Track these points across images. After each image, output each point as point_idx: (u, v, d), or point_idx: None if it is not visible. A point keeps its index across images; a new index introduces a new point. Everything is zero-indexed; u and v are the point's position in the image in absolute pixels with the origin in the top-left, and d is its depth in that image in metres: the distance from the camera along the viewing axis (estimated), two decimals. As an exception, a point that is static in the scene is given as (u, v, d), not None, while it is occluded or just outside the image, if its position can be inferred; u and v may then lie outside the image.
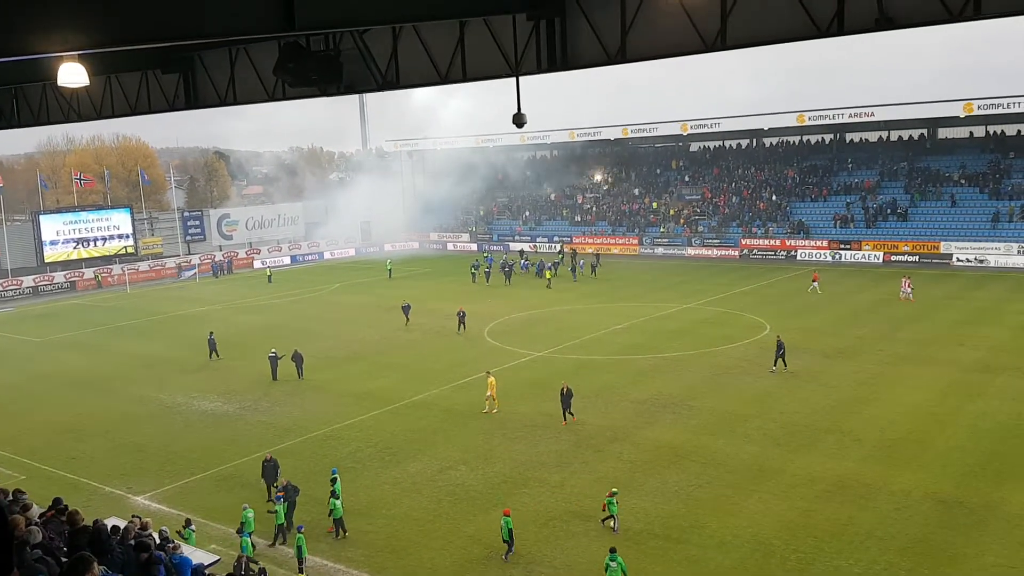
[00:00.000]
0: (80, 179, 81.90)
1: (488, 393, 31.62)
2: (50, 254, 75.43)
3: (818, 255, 71.57)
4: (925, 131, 78.32)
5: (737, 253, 75.63)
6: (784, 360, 35.43)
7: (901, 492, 23.02)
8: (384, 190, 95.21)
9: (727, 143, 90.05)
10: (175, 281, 78.27)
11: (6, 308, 66.10)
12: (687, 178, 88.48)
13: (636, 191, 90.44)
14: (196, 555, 17.09)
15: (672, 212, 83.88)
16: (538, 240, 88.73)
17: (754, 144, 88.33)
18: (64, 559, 9.41)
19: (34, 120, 19.63)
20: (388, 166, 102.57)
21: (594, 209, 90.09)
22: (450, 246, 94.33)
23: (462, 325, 45.74)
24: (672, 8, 11.98)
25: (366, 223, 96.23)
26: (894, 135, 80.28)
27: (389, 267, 72.98)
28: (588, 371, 37.23)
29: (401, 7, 11.92)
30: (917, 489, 23.18)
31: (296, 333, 47.50)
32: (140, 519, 15.13)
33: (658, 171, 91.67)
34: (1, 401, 37.16)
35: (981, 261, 64.72)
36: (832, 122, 74.81)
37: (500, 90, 59.27)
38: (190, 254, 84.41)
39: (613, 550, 18.48)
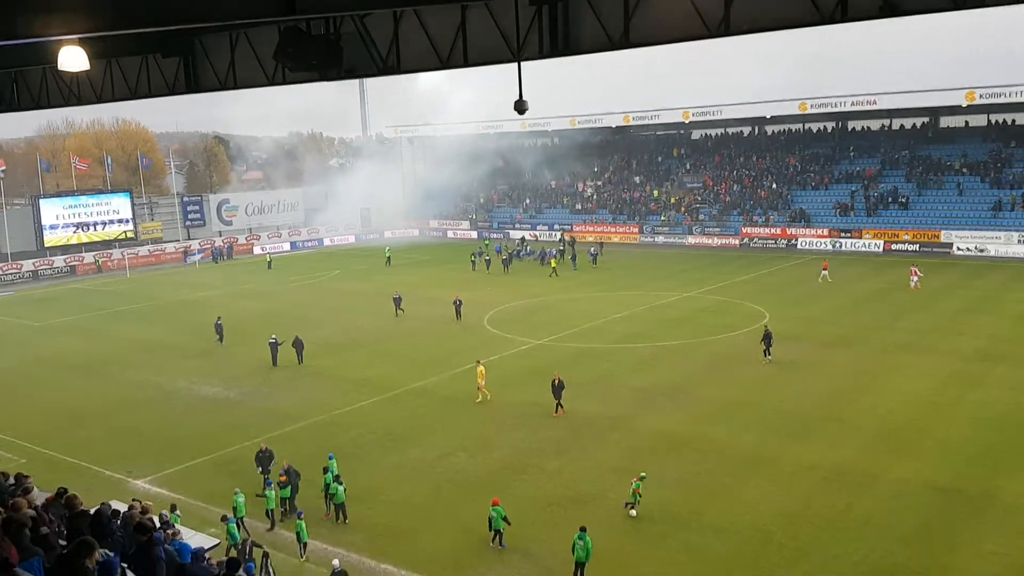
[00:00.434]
0: (76, 164, 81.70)
1: (479, 383, 31.59)
2: (50, 238, 75.38)
3: (819, 243, 71.50)
4: (927, 119, 78.11)
5: (738, 241, 75.52)
6: (768, 350, 35.36)
7: (900, 480, 23.09)
8: (384, 176, 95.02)
9: (729, 130, 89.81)
10: (182, 265, 78.35)
11: (6, 292, 66.10)
12: (688, 166, 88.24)
13: (637, 179, 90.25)
14: (195, 539, 17.17)
15: (673, 200, 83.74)
16: (538, 228, 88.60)
17: (756, 132, 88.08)
18: (63, 542, 9.44)
19: (34, 104, 19.57)
20: (388, 152, 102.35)
21: (595, 197, 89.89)
22: (450, 234, 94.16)
23: (458, 314, 45.69)
24: (675, -7, 11.91)
25: (366, 210, 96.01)
26: (896, 123, 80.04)
27: (388, 254, 72.95)
28: (588, 359, 37.25)
29: (402, -9, 11.84)
30: (916, 477, 23.25)
31: (296, 319, 47.49)
32: (141, 503, 15.18)
33: (659, 159, 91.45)
34: (1, 385, 37.22)
35: (982, 250, 64.67)
36: (834, 110, 74.55)
37: (501, 76, 59.15)
38: (190, 239, 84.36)
39: (583, 529, 18.81)
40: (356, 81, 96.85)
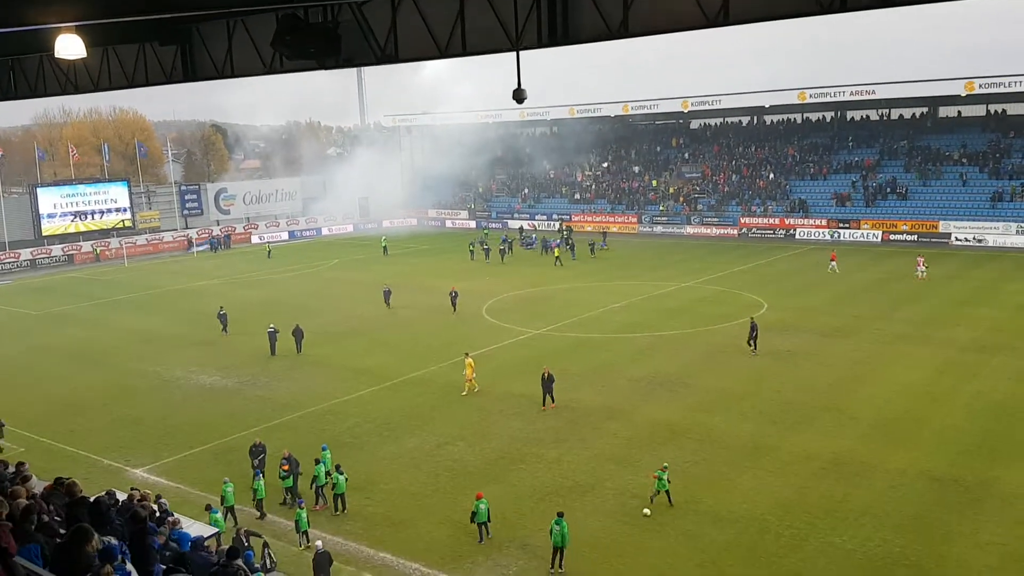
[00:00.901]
0: (74, 152, 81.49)
1: (467, 373, 31.48)
2: (48, 227, 75.25)
3: (817, 234, 71.51)
4: (926, 109, 78.01)
5: (736, 232, 75.50)
6: (755, 343, 35.27)
7: (896, 470, 23.16)
8: (382, 166, 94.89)
9: (728, 120, 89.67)
10: (180, 254, 78.33)
11: (4, 281, 66.03)
12: (687, 156, 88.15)
13: (636, 169, 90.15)
14: (195, 528, 17.22)
15: (672, 190, 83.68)
16: (537, 218, 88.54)
17: (755, 121, 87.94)
18: (64, 531, 9.46)
19: (31, 92, 19.49)
20: (387, 141, 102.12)
21: (593, 187, 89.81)
22: (449, 223, 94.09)
23: (455, 305, 45.66)
24: (675, -18, 11.87)
25: (364, 199, 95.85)
26: (895, 113, 79.94)
27: (384, 244, 72.85)
28: (586, 349, 37.31)
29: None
30: (912, 467, 23.33)
31: (295, 309, 47.46)
32: (140, 491, 15.22)
33: (658, 148, 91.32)
34: (-1, 374, 37.27)
35: (980, 240, 64.71)
36: (833, 100, 74.39)
37: (500, 65, 58.78)
38: (188, 228, 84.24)
39: (560, 514, 18.98)
40: (354, 70, 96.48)
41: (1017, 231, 63.90)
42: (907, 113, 79.22)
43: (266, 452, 24.17)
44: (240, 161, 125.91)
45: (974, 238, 64.98)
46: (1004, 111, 74.05)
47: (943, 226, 66.54)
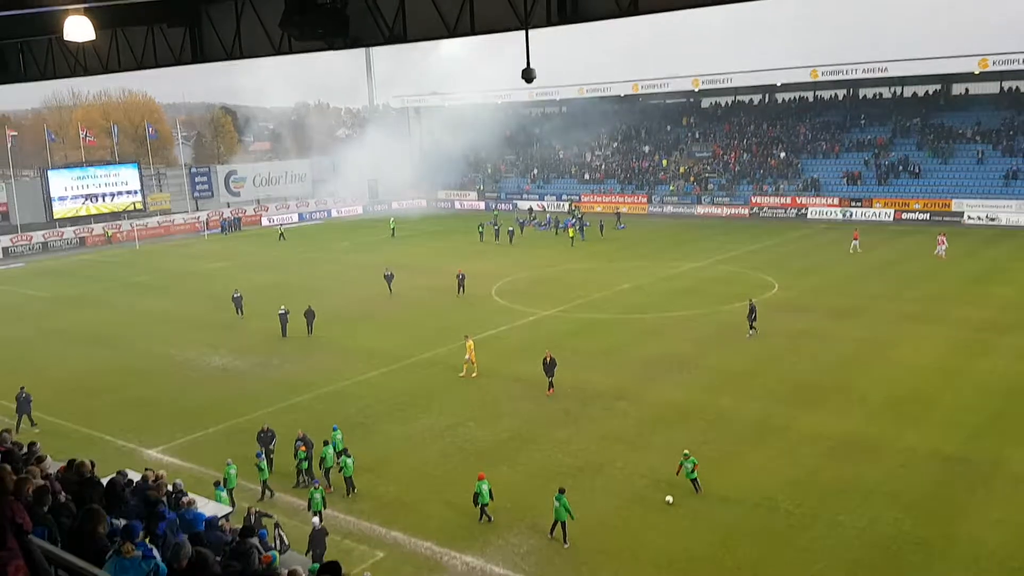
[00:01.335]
0: (85, 136, 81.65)
1: (467, 356, 31.53)
2: (59, 210, 75.60)
3: (829, 213, 71.10)
4: (939, 87, 77.17)
5: (747, 211, 75.16)
6: (754, 324, 35.08)
7: (907, 449, 23.15)
8: (391, 147, 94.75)
9: (739, 99, 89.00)
10: (191, 236, 78.62)
11: (16, 264, 66.45)
12: (698, 135, 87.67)
13: (646, 148, 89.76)
14: (209, 507, 17.39)
15: (682, 170, 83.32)
16: (546, 198, 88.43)
17: (766, 100, 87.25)
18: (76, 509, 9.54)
19: (40, 74, 19.50)
20: (395, 123, 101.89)
21: (603, 167, 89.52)
22: (458, 204, 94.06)
23: (461, 288, 45.59)
24: (685, -41, 11.75)
25: (373, 181, 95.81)
26: (908, 91, 79.13)
27: (392, 226, 72.77)
28: (595, 330, 37.39)
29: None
30: (923, 446, 23.31)
31: (306, 291, 47.63)
32: (154, 472, 15.35)
33: (668, 128, 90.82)
34: (12, 356, 37.54)
35: (992, 219, 64.20)
36: (845, 77, 73.78)
37: (509, 45, 58.55)
38: (198, 211, 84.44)
39: (561, 490, 19.21)
40: (363, 51, 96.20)
41: (1031, 209, 63.38)
42: (920, 91, 78.38)
43: (275, 439, 24.01)
44: (250, 143, 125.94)
45: (987, 217, 64.47)
46: (1018, 88, 73.18)
47: (956, 205, 66.03)
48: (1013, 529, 18.80)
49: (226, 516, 17.40)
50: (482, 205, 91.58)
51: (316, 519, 18.63)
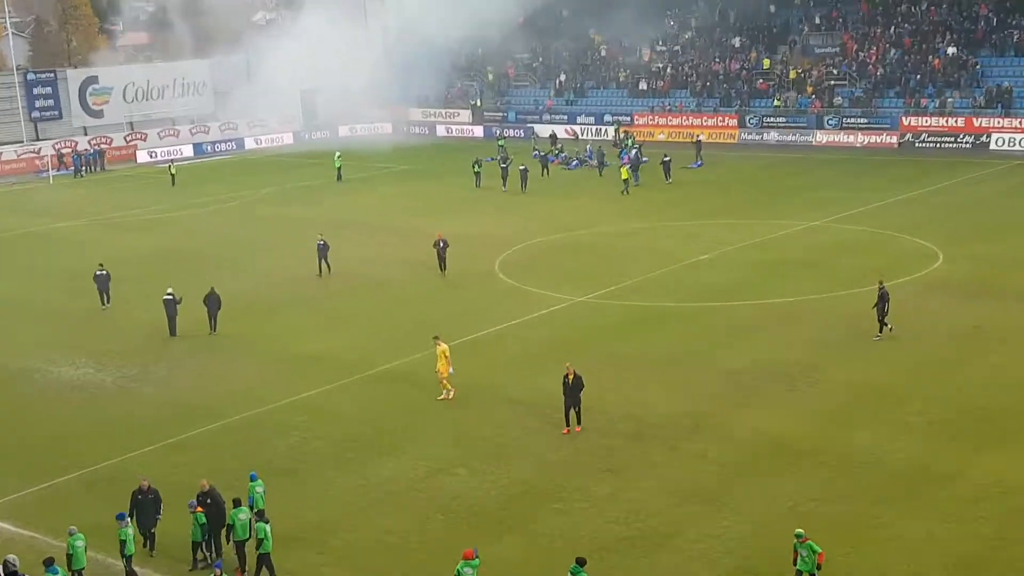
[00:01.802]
0: None
1: (439, 368, 31.13)
2: None
3: (1022, 141, 70.67)
4: None
5: (895, 139, 75.15)
6: (885, 319, 34.68)
7: None
8: (338, 40, 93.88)
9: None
10: (30, 179, 78.81)
11: None
12: (818, 19, 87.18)
13: (736, 41, 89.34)
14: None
15: (793, 75, 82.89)
16: (579, 120, 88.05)
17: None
18: None
19: None
20: (345, 3, 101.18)
21: (669, 71, 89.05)
22: (442, 130, 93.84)
23: (442, 262, 45.38)
24: None
25: (310, 94, 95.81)
26: None
27: (338, 164, 72.54)
28: (654, 326, 37.32)
29: None
30: None
31: (206, 264, 47.63)
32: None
33: (772, 8, 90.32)
34: None
35: None
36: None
37: None
38: (38, 140, 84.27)
39: (580, 561, 19.25)
40: None
41: None
42: None
43: (160, 506, 23.41)
44: (119, 35, 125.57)
45: None
46: None
47: None
48: None
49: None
50: (479, 131, 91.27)
51: None
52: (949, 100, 74.86)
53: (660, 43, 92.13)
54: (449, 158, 78.41)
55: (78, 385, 34.35)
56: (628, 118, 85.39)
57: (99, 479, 27.14)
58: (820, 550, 19.82)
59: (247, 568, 22.16)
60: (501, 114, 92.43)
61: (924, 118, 74.89)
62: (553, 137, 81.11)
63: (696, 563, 21.98)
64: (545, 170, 69.07)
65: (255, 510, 22.78)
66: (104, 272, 43.25)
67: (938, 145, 73.35)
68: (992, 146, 71.47)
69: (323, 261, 46.34)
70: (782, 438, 27.59)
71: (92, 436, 29.93)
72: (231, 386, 33.29)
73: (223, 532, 22.76)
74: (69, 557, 21.27)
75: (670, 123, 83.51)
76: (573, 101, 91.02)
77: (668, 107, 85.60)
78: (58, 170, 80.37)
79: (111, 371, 35.37)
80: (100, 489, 26.48)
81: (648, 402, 30.25)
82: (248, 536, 22.29)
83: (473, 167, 67.87)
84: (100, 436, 29.89)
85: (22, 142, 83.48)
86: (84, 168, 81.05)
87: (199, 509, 22.55)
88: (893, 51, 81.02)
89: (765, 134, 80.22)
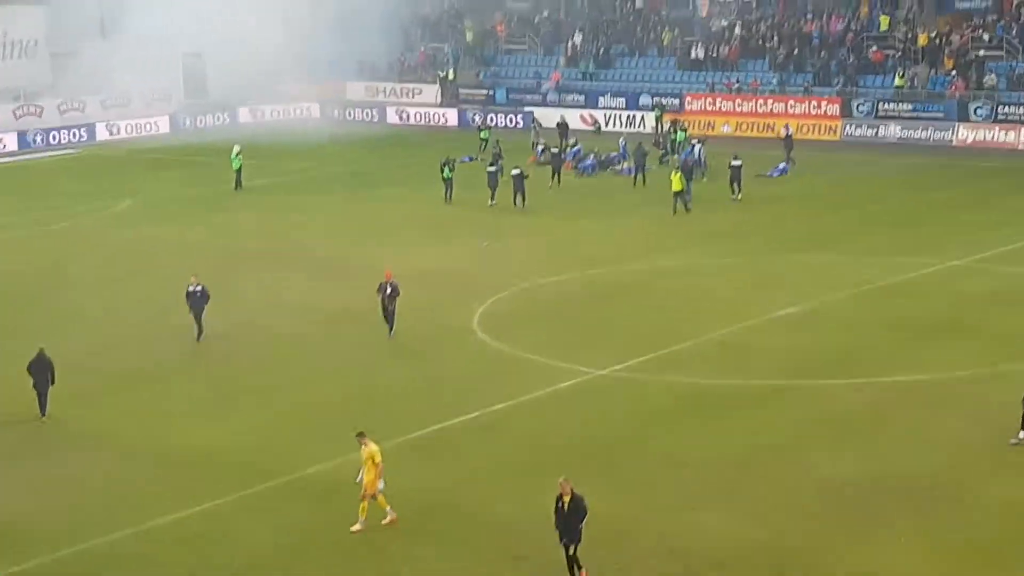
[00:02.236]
0: None
1: (358, 477, 30.74)
2: None
3: None
4: None
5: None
6: None
7: None
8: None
9: None
10: None
11: None
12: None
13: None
14: None
15: (923, 41, 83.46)
16: (600, 103, 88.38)
17: None
18: None
19: None
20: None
21: (737, 31, 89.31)
22: (395, 114, 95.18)
23: (390, 316, 45.00)
24: None
25: (195, 59, 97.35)
26: None
27: (236, 165, 72.91)
28: (712, 415, 37.09)
29: None
30: None
31: (33, 311, 47.59)
32: None
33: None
34: None
35: None
36: None
37: None
38: None
39: None
40: None
41: None
42: None
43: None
44: None
45: None
46: None
47: None
48: None
49: None
50: (451, 117, 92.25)
51: None
52: None
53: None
54: (406, 156, 78.60)
55: None
56: (676, 101, 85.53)
57: None
58: None
59: None
60: (485, 92, 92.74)
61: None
62: (563, 127, 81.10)
63: None
64: (555, 176, 69.40)
65: None
66: None
67: None
68: None
69: (198, 321, 45.62)
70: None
71: None
72: (71, 500, 32.72)
73: None
74: None
75: (739, 109, 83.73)
76: (593, 75, 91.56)
77: (737, 85, 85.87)
78: None
79: None
80: None
81: (705, 529, 29.78)
82: None
83: (442, 171, 68.07)
84: None
85: None
86: None
87: None
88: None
89: (881, 127, 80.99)
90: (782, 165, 70.27)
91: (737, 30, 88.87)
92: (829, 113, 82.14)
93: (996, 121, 77.69)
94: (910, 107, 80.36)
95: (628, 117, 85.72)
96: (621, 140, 76.25)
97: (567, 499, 28.07)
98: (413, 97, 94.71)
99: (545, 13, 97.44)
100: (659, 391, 38.93)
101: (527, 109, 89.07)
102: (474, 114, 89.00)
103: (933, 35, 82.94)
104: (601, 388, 39.37)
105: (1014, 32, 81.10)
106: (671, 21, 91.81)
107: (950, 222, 58.50)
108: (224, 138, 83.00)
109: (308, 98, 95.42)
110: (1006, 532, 29.77)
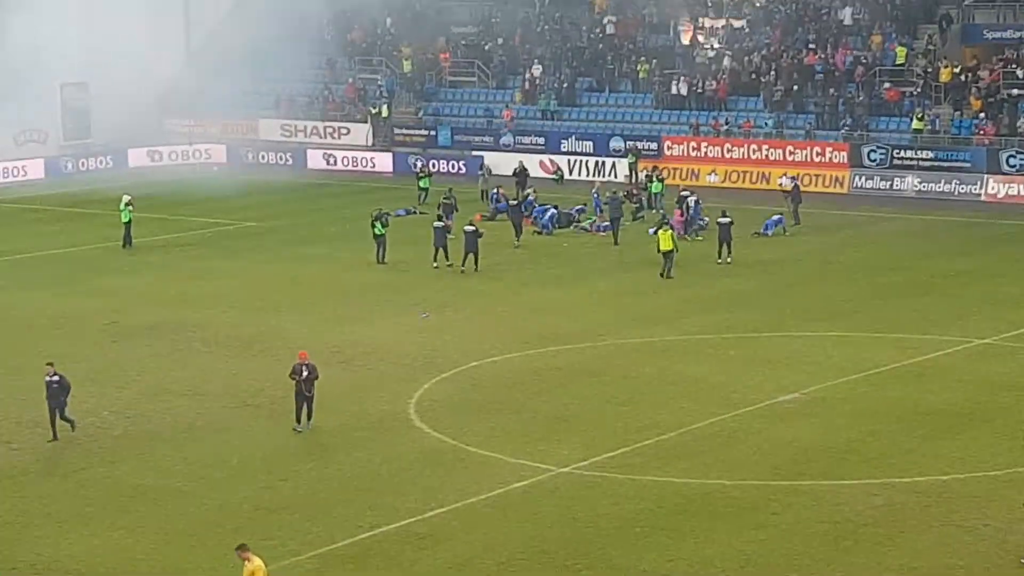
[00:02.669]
0: None
1: None
2: None
3: None
4: None
5: None
6: None
7: None
8: (129, 5, 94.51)
9: None
10: None
11: None
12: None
13: (846, 13, 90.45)
14: None
15: (946, 76, 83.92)
16: (563, 147, 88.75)
17: None
18: None
19: None
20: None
21: (726, 63, 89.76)
22: (319, 157, 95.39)
23: (306, 402, 44.64)
24: None
25: (77, 90, 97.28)
26: None
27: (126, 218, 72.92)
28: (698, 522, 36.86)
29: None
30: None
31: None
32: None
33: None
34: None
35: None
36: None
37: None
38: None
39: None
40: None
41: None
42: None
43: None
44: None
45: None
46: None
47: None
48: None
49: None
50: (385, 161, 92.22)
51: None
52: None
53: (710, 13, 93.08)
54: (331, 209, 78.62)
55: None
56: (654, 145, 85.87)
57: None
58: None
59: None
60: (425, 132, 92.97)
61: None
62: (521, 175, 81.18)
63: None
64: (517, 233, 69.74)
65: None
66: None
67: None
68: None
69: (56, 415, 44.55)
70: None
71: None
72: None
73: None
74: None
75: (728, 156, 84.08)
76: (555, 113, 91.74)
77: (726, 127, 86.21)
78: None
79: None
80: None
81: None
82: None
83: (373, 226, 68.31)
84: None
85: None
86: None
87: None
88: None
89: (897, 179, 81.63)
90: (776, 217, 70.69)
91: (726, 62, 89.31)
92: (835, 161, 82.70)
93: (1034, 174, 78.27)
94: (931, 155, 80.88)
95: (596, 164, 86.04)
96: (593, 191, 76.78)
97: None
98: (339, 138, 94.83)
99: (499, 40, 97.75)
100: (631, 493, 38.65)
101: (475, 154, 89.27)
102: (414, 159, 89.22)
103: (958, 70, 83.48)
104: (561, 489, 39.10)
105: (1022, 74, 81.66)
106: (648, 51, 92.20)
107: (977, 293, 58.95)
108: (111, 186, 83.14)
109: (213, 138, 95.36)
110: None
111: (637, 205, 74.43)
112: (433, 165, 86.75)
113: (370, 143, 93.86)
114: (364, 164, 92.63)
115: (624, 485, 39.30)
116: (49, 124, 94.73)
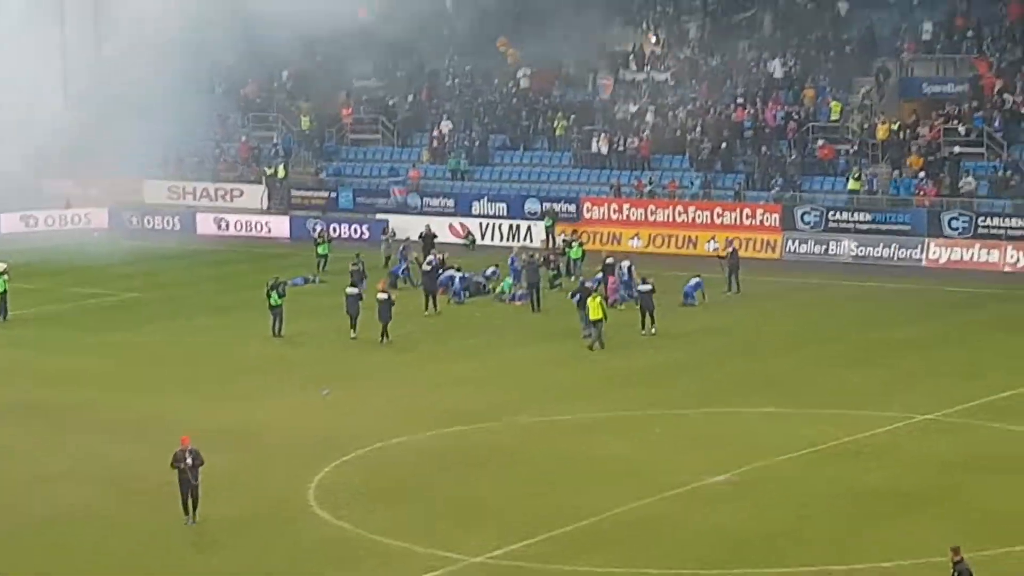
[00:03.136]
0: None
1: None
2: None
3: None
4: None
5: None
6: None
7: None
8: (9, 50, 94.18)
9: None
10: None
11: None
12: (929, 29, 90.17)
13: (775, 65, 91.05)
14: None
15: (883, 133, 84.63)
16: (476, 209, 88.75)
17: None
18: None
19: None
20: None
21: (649, 118, 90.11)
22: (209, 222, 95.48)
23: (191, 492, 43.70)
24: None
25: None
26: None
27: (1, 287, 72.46)
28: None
29: None
30: None
31: None
32: None
33: (845, 7, 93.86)
34: None
35: None
36: None
37: None
38: None
39: None
40: None
41: None
42: None
43: None
44: None
45: None
46: None
47: None
48: None
49: None
50: (281, 226, 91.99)
51: None
52: None
53: (632, 65, 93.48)
54: (222, 278, 78.53)
55: None
56: (572, 207, 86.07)
57: None
58: None
59: None
60: (325, 194, 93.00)
61: None
62: (428, 240, 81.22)
63: None
64: (431, 301, 69.66)
65: None
66: None
67: None
68: None
69: None
70: None
71: None
72: None
73: None
74: None
75: (652, 219, 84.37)
76: (466, 173, 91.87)
77: (649, 188, 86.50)
78: None
79: None
80: None
81: None
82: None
83: (269, 297, 68.23)
84: None
85: None
86: None
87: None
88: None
89: (833, 243, 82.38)
90: (695, 281, 71.11)
91: (649, 117, 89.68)
92: (766, 224, 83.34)
93: (976, 236, 78.88)
94: (868, 217, 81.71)
95: (511, 227, 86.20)
96: (511, 257, 76.92)
97: None
98: (232, 200, 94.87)
99: (406, 95, 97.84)
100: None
101: (379, 217, 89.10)
102: (313, 223, 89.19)
103: (896, 126, 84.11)
104: (474, 583, 39.21)
105: (996, 123, 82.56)
106: (566, 106, 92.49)
107: (919, 365, 59.49)
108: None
109: (94, 201, 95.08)
110: None
111: (555, 272, 74.72)
112: (334, 230, 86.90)
113: (265, 206, 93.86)
114: (259, 229, 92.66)
115: (541, 576, 39.45)
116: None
